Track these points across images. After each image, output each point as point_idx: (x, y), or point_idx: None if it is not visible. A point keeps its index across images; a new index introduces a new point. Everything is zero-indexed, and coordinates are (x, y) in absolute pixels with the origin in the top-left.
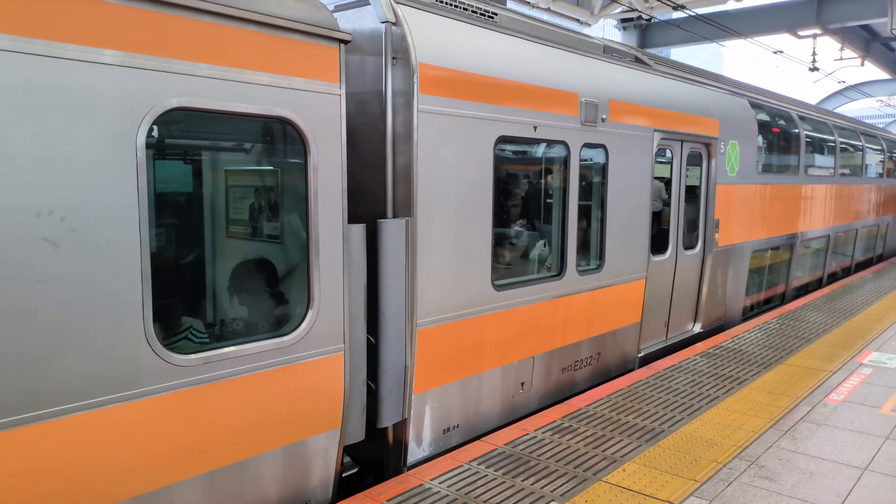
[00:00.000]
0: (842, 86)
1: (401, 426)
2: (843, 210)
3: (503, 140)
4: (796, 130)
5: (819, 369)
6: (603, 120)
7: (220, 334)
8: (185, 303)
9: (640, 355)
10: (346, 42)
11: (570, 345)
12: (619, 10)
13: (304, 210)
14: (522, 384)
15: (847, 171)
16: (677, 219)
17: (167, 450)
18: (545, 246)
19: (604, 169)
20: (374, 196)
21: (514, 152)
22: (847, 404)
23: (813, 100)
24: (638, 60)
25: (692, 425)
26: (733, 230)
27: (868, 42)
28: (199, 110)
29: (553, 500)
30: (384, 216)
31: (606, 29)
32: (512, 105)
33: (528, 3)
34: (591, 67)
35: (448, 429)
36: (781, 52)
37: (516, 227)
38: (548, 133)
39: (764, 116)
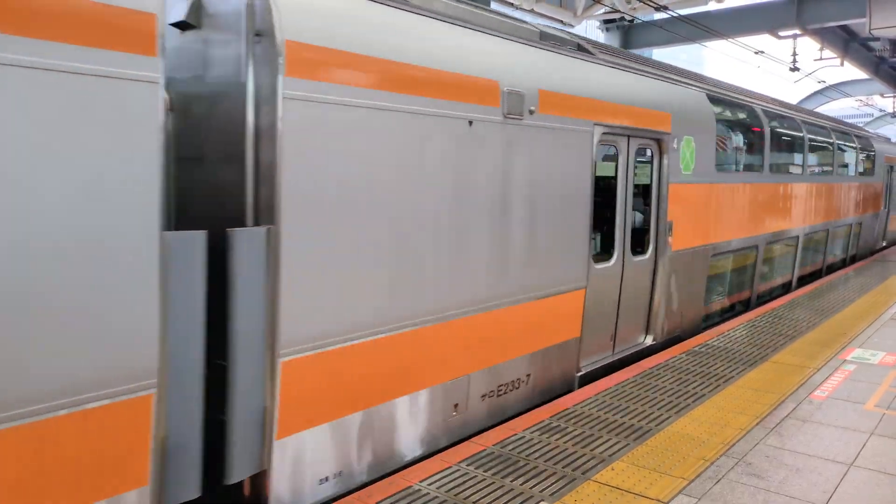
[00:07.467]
0: (821, 85)
1: (260, 478)
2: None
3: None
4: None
5: (804, 366)
6: (531, 112)
7: None
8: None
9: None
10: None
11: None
12: (602, 10)
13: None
14: (456, 405)
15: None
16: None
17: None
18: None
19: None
20: (233, 200)
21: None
22: (832, 401)
23: (793, 99)
24: (581, 49)
25: (679, 423)
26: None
27: (847, 42)
28: None
29: (542, 500)
30: (244, 224)
31: (589, 30)
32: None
33: (511, 3)
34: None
35: (326, 478)
36: (763, 52)
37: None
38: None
39: (724, 110)
